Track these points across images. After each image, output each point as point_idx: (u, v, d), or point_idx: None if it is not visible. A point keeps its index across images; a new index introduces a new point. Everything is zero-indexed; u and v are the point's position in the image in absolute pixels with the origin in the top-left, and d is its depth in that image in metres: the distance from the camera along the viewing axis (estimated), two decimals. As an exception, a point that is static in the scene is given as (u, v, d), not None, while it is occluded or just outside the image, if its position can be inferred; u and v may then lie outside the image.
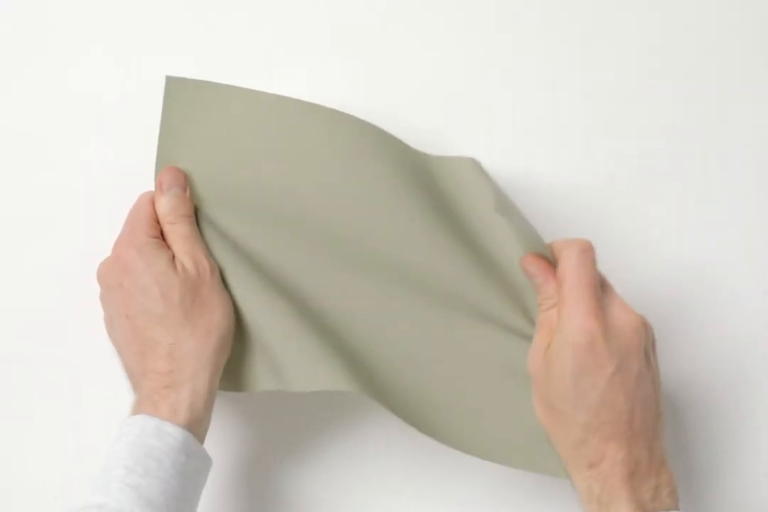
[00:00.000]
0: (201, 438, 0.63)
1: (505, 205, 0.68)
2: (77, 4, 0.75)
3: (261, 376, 0.65)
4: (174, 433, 0.61)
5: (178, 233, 0.66)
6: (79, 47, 0.75)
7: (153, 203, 0.67)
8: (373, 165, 0.68)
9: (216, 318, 0.65)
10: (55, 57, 0.75)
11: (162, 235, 0.66)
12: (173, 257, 0.65)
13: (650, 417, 0.64)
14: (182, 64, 0.75)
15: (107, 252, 0.68)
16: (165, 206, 0.66)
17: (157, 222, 0.66)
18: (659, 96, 0.77)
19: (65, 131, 0.75)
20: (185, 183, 0.67)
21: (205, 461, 0.63)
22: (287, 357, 0.64)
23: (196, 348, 0.63)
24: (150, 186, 0.68)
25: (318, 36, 0.76)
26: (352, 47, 0.76)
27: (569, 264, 0.64)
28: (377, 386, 0.66)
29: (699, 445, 0.76)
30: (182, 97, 0.67)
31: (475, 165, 0.70)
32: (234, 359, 0.66)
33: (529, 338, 0.67)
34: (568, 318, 0.63)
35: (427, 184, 0.69)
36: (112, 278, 0.66)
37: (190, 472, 0.61)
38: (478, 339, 0.68)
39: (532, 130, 0.77)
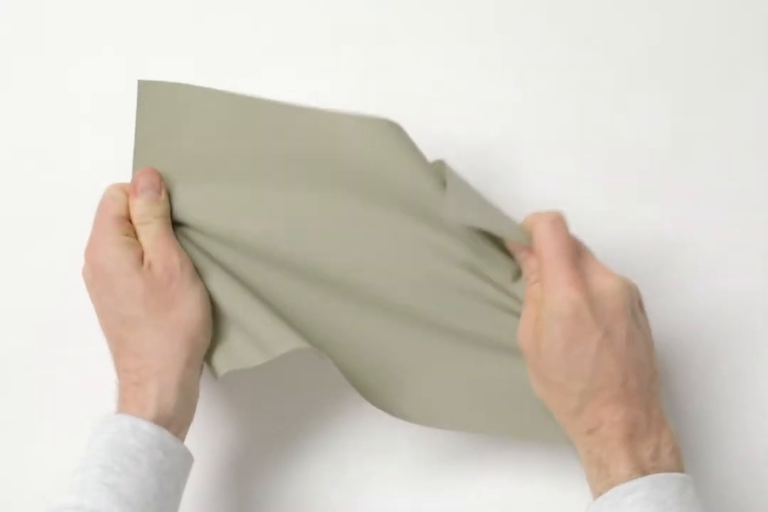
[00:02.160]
0: (179, 435, 0.64)
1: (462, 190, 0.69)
2: (77, 5, 0.75)
3: (249, 353, 0.66)
4: (150, 431, 0.61)
5: (150, 233, 0.66)
6: (79, 47, 0.75)
7: (121, 201, 0.67)
8: (342, 163, 0.68)
9: (184, 313, 0.65)
10: (55, 57, 0.75)
11: (135, 234, 0.66)
12: (142, 255, 0.65)
13: (645, 377, 0.64)
14: (182, 64, 0.75)
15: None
16: (139, 208, 0.66)
17: (128, 220, 0.66)
18: (659, 96, 0.77)
19: (65, 131, 0.75)
20: (160, 185, 0.67)
21: (185, 458, 0.63)
22: (265, 330, 0.66)
23: (161, 344, 0.64)
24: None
25: (318, 36, 0.76)
26: (352, 47, 0.76)
27: (542, 238, 0.65)
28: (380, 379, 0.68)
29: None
30: (156, 99, 0.67)
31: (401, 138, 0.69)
32: (221, 343, 0.67)
33: (517, 314, 0.67)
34: (550, 291, 0.63)
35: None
36: (87, 278, 0.66)
37: (168, 470, 0.61)
38: (471, 317, 0.68)
39: (531, 130, 0.77)
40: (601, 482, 0.63)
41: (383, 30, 0.77)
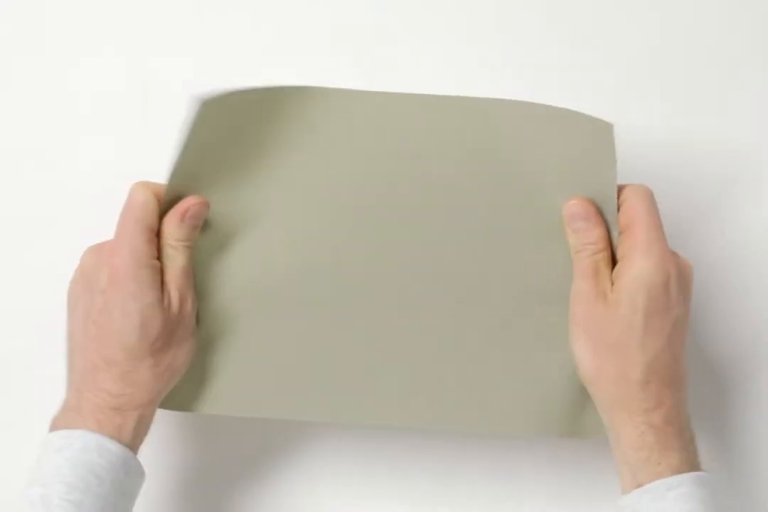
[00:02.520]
0: (136, 453, 0.65)
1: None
2: (77, 5, 0.75)
3: (225, 399, 0.68)
4: (116, 451, 0.62)
5: (177, 262, 0.65)
6: (79, 47, 0.75)
7: (152, 211, 0.64)
8: (418, 148, 0.67)
9: (180, 357, 0.65)
10: (55, 57, 0.75)
11: (158, 254, 0.65)
12: (162, 283, 0.64)
13: (684, 370, 0.65)
14: (182, 64, 0.75)
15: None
16: (177, 233, 0.65)
17: (155, 235, 0.65)
18: (659, 96, 0.77)
19: (65, 131, 0.75)
20: (204, 217, 0.65)
21: (141, 477, 0.64)
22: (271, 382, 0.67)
23: (151, 381, 0.64)
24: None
25: (318, 36, 0.76)
26: (352, 47, 0.76)
27: (641, 208, 0.64)
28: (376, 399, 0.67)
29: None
30: (214, 116, 0.63)
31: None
32: (195, 381, 0.67)
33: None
34: (643, 258, 0.63)
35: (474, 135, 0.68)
36: (97, 278, 0.64)
37: (127, 488, 0.62)
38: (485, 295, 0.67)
39: (532, 130, 0.77)
40: (648, 469, 0.62)
41: (383, 30, 0.77)
